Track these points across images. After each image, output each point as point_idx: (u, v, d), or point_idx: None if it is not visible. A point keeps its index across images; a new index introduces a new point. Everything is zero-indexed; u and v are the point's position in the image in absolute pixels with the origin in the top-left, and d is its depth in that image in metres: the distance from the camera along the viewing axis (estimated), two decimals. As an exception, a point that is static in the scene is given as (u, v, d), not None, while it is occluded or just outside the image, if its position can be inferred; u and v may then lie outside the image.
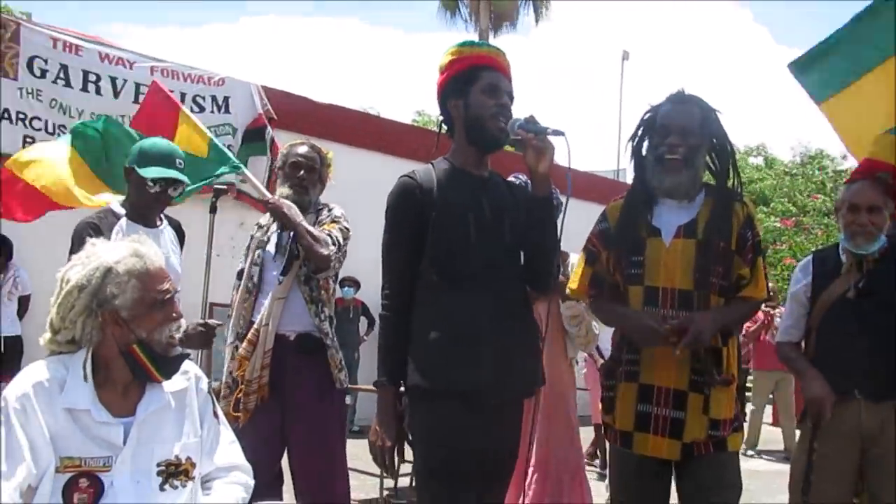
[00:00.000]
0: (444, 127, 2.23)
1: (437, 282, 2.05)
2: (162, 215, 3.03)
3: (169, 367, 1.75)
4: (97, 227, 2.79)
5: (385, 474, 4.08)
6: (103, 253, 1.71)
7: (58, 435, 1.63)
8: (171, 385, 1.79)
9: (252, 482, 1.92)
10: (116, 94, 6.60)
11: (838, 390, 2.66)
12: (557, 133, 2.04)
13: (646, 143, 2.44)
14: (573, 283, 2.51)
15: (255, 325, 2.92)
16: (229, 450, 1.90)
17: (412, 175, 2.14)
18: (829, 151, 20.28)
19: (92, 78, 6.50)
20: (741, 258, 2.31)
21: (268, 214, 3.04)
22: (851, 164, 18.57)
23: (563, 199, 2.41)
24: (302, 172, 3.06)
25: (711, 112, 2.38)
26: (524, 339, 2.14)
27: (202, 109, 7.12)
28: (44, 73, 6.29)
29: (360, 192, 5.26)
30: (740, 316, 2.43)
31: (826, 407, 2.62)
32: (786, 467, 2.89)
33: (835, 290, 2.74)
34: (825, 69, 3.18)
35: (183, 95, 6.93)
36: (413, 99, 51.70)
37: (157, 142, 2.98)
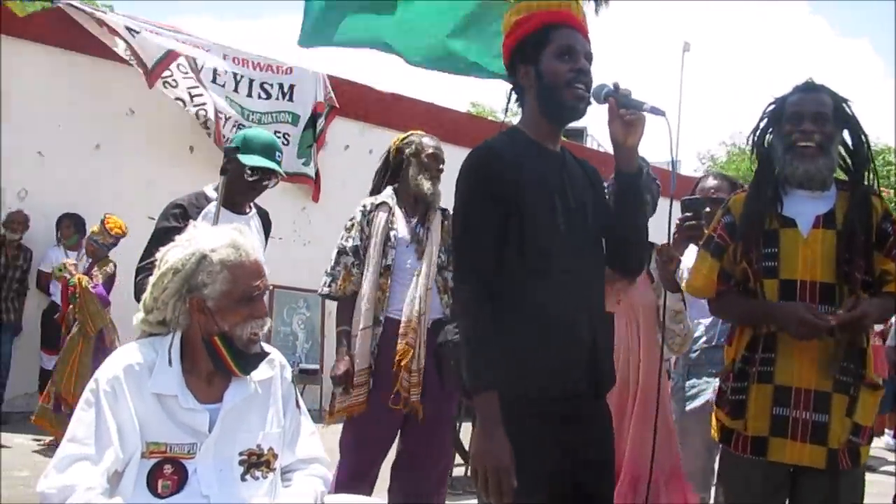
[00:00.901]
0: (514, 96, 1.94)
1: (524, 273, 1.78)
2: (252, 203, 3.07)
3: (248, 363, 1.72)
4: (184, 209, 2.85)
5: None
6: (203, 238, 1.71)
7: (145, 419, 1.64)
8: (257, 374, 1.77)
9: (330, 475, 1.92)
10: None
11: None
12: (656, 112, 1.79)
13: (768, 136, 2.33)
14: (696, 280, 2.37)
15: (407, 313, 2.93)
16: (310, 441, 1.88)
17: (492, 146, 1.85)
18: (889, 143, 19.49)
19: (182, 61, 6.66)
20: (882, 253, 2.19)
21: (378, 197, 3.07)
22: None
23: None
24: (441, 165, 3.11)
25: (843, 101, 2.27)
26: (609, 335, 1.98)
27: (269, 96, 7.27)
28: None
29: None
30: (889, 312, 2.29)
31: None
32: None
33: None
34: None
35: (251, 81, 7.10)
36: (467, 88, 51.40)
37: (261, 133, 3.09)
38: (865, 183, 2.27)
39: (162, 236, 2.75)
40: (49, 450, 5.04)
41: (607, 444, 1.91)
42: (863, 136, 2.29)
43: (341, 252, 3.02)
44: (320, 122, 7.57)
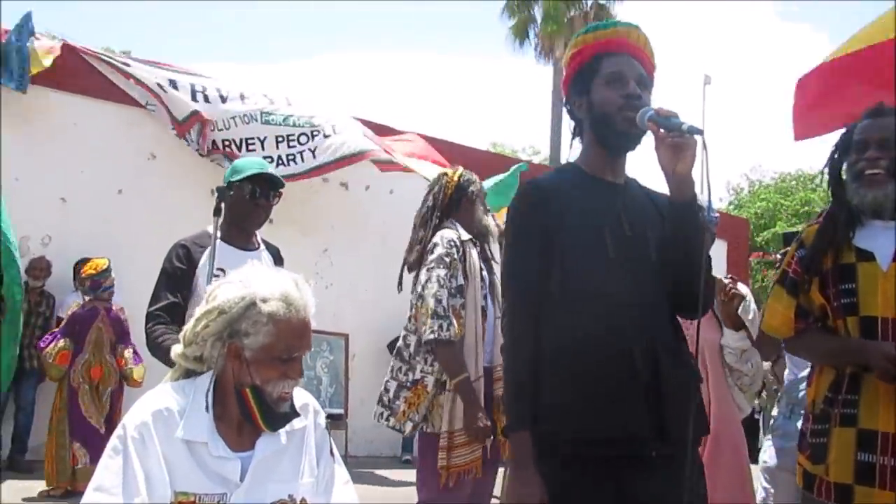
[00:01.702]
0: (575, 131, 1.92)
1: (570, 306, 1.72)
2: (260, 239, 2.97)
3: (277, 420, 1.63)
4: (187, 249, 2.78)
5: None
6: (257, 283, 1.61)
7: (174, 467, 1.54)
8: (291, 422, 1.68)
9: None
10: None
11: None
12: (694, 131, 1.67)
13: (844, 166, 2.26)
14: (773, 319, 2.26)
15: (496, 362, 2.83)
16: (343, 490, 1.77)
17: (536, 181, 1.86)
18: None
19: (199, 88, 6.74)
20: None
21: (461, 233, 2.93)
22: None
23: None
24: None
25: None
26: (680, 376, 1.75)
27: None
28: None
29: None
30: None
31: None
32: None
33: None
34: None
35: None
36: (487, 128, 51.95)
37: (249, 158, 3.01)
38: None
39: (163, 278, 2.77)
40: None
41: (682, 496, 1.68)
42: None
43: (449, 292, 2.79)
44: None
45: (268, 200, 2.85)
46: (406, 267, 3.01)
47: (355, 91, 46.51)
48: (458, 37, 55.87)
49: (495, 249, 3.01)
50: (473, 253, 2.89)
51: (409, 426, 2.78)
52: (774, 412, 3.12)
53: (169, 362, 2.69)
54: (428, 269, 2.81)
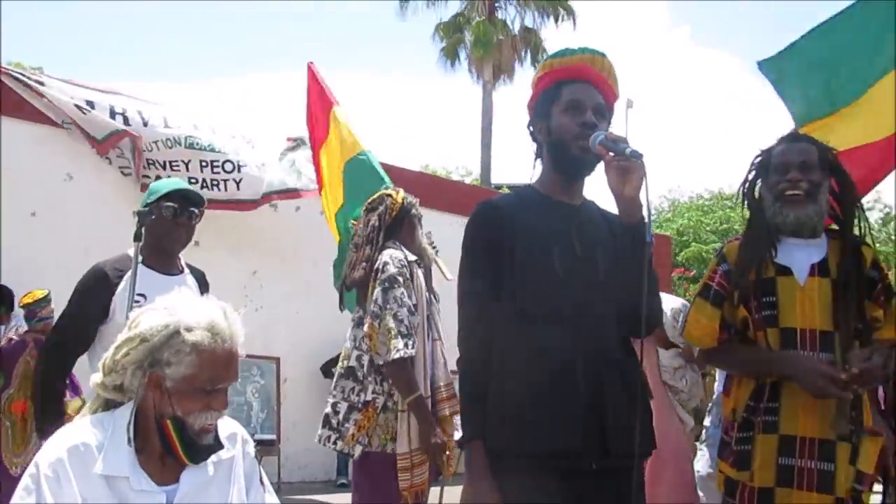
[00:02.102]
0: (537, 153, 1.97)
1: (519, 323, 1.76)
2: (184, 263, 2.86)
3: (199, 453, 1.56)
4: (104, 273, 2.67)
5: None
6: (182, 310, 1.54)
7: None
8: (218, 452, 1.61)
9: None
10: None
11: None
12: (636, 155, 1.73)
13: (758, 186, 2.38)
14: (695, 330, 2.33)
15: (444, 378, 2.82)
16: None
17: (492, 200, 1.92)
18: None
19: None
20: (872, 301, 2.24)
21: (407, 254, 2.88)
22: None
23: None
24: None
25: (827, 150, 2.32)
26: (630, 391, 1.78)
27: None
28: None
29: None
30: (891, 360, 2.28)
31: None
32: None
33: None
34: (811, 87, 3.13)
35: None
36: (420, 150, 52.33)
37: (166, 179, 2.95)
38: (855, 229, 2.30)
39: (72, 304, 2.69)
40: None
41: None
42: (849, 183, 2.33)
43: (409, 310, 2.75)
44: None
45: (189, 219, 2.75)
46: (346, 286, 2.95)
47: (287, 110, 46.06)
48: (390, 58, 56.16)
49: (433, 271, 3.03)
50: (419, 274, 2.89)
51: (357, 449, 2.72)
52: (706, 422, 3.21)
53: (48, 405, 2.62)
54: (384, 289, 2.76)
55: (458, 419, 2.65)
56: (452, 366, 2.63)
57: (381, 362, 2.74)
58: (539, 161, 1.95)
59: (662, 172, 43.65)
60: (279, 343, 7.29)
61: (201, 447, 1.55)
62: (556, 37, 21.53)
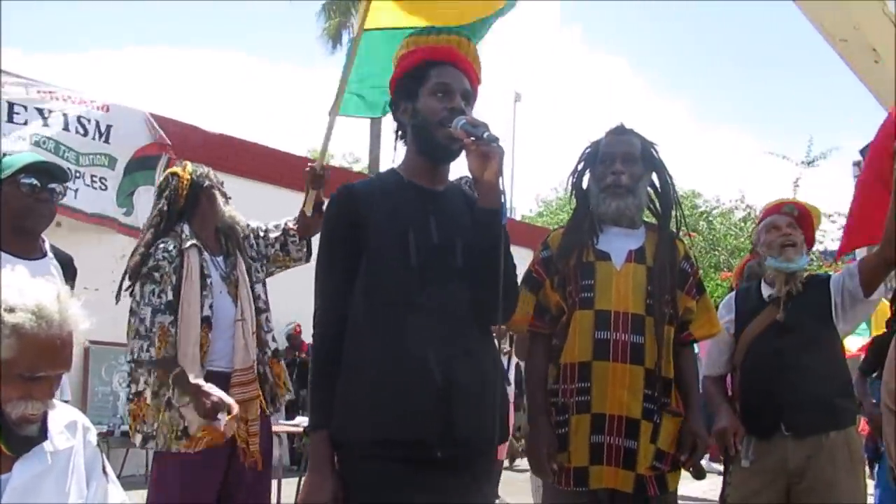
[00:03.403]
0: (399, 135, 1.92)
1: (371, 310, 1.73)
2: (48, 246, 2.65)
3: (18, 443, 1.48)
4: None
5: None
6: (9, 291, 1.45)
7: None
8: (57, 441, 1.55)
9: None
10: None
11: (764, 426, 2.71)
12: (492, 139, 1.72)
13: (587, 176, 2.48)
14: (518, 322, 2.37)
15: (244, 363, 2.67)
16: None
17: (349, 185, 1.86)
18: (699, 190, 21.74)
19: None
20: (684, 292, 2.36)
21: (183, 239, 2.68)
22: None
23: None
24: None
25: (650, 144, 2.44)
26: (482, 381, 1.76)
27: (86, 133, 6.55)
28: None
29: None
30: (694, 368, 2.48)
31: (730, 438, 2.66)
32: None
33: (757, 326, 2.81)
34: None
35: (65, 115, 6.39)
36: (306, 134, 51.13)
37: (18, 153, 2.74)
38: (673, 224, 2.44)
39: None
40: None
41: (466, 497, 1.76)
42: (668, 179, 2.46)
43: (155, 309, 2.60)
44: (162, 160, 6.83)
45: (51, 196, 2.53)
46: (128, 274, 2.72)
47: (164, 86, 43.91)
48: (273, 39, 54.43)
49: (237, 247, 2.86)
50: (194, 260, 2.69)
51: (138, 438, 2.62)
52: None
53: None
54: (141, 284, 2.64)
55: (252, 406, 2.66)
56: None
57: (128, 359, 2.67)
58: (402, 143, 1.91)
59: (553, 166, 45.10)
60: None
61: (21, 438, 1.47)
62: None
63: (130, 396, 2.69)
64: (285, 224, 2.98)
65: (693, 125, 51.57)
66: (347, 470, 1.72)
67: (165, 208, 2.77)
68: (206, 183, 2.79)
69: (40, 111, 6.28)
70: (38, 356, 1.44)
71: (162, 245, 2.68)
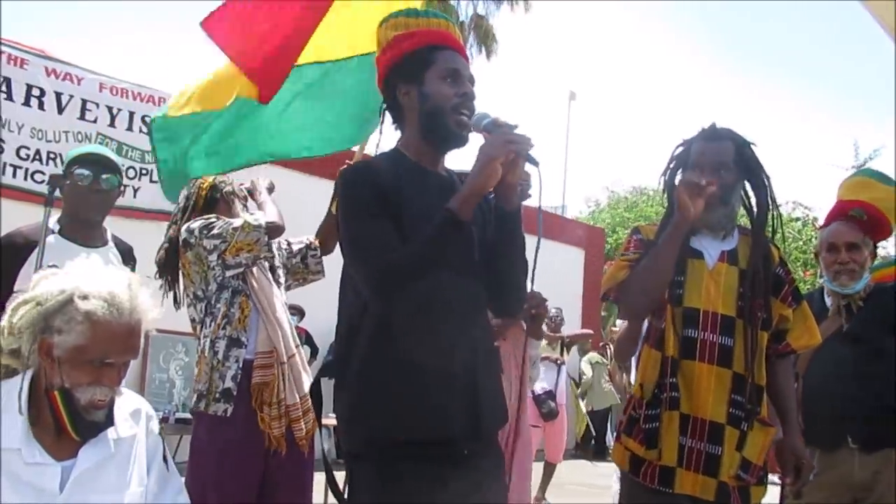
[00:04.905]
0: (396, 117, 1.83)
1: (402, 304, 1.65)
2: (110, 235, 2.80)
3: (86, 428, 1.52)
4: (13, 241, 2.58)
5: None
6: (83, 276, 1.51)
7: None
8: (120, 428, 1.61)
9: None
10: (61, 111, 6.31)
11: (829, 438, 2.62)
12: (532, 161, 1.66)
13: (678, 177, 2.35)
14: (606, 281, 2.32)
15: (265, 348, 2.62)
16: (176, 499, 1.71)
17: (370, 161, 1.79)
18: None
19: (35, 92, 6.21)
20: (779, 299, 2.26)
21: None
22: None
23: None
24: None
25: (746, 146, 2.30)
26: (494, 373, 1.82)
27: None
28: None
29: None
30: (791, 382, 2.37)
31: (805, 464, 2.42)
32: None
33: (821, 335, 2.68)
34: None
35: (132, 115, 6.65)
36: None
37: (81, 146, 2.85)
38: (769, 227, 2.31)
39: None
40: None
41: (494, 488, 1.77)
42: (765, 182, 2.31)
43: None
44: None
45: (103, 185, 2.66)
46: (158, 271, 2.78)
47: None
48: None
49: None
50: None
51: (194, 399, 2.58)
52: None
53: None
54: (208, 227, 2.61)
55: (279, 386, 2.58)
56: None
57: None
58: (399, 126, 1.83)
59: (605, 165, 44.42)
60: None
61: (88, 423, 1.52)
62: (503, 26, 21.24)
63: (196, 360, 2.70)
64: (308, 238, 3.04)
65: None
66: (379, 469, 1.67)
67: (183, 205, 2.84)
68: (226, 189, 2.86)
69: (109, 109, 6.55)
70: (109, 343, 1.49)
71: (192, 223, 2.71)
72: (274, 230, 2.69)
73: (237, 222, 2.63)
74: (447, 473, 1.66)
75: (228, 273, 2.63)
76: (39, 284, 1.53)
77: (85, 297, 1.48)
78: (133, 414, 1.66)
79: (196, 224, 2.65)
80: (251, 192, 2.93)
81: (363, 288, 1.67)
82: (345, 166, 1.85)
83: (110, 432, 1.59)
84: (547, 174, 1.82)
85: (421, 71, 1.75)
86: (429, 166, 1.80)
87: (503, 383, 1.96)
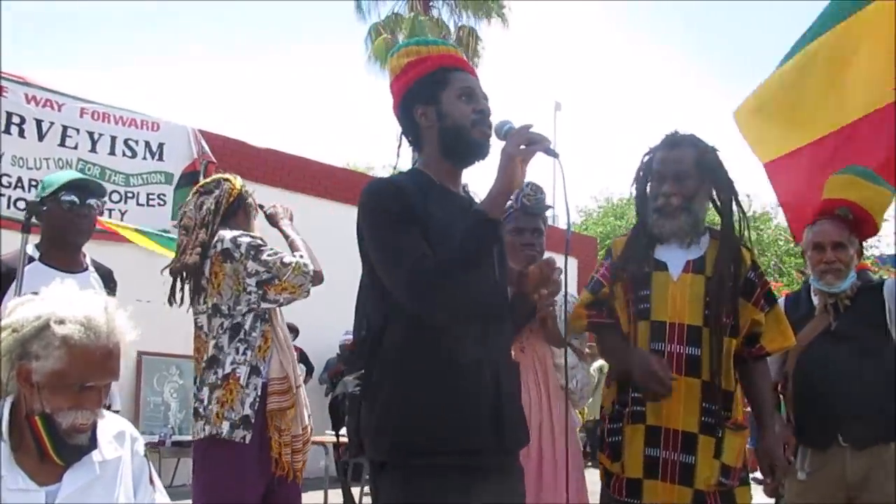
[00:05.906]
0: (413, 139, 1.90)
1: (423, 323, 1.68)
2: (89, 260, 2.79)
3: (69, 452, 1.52)
4: None
5: None
6: (59, 303, 1.50)
7: None
8: (105, 451, 1.59)
9: None
10: (41, 137, 6.28)
11: (820, 437, 2.62)
12: (552, 154, 1.73)
13: (649, 185, 2.39)
14: (573, 317, 2.39)
15: (278, 374, 2.57)
16: None
17: (391, 178, 1.85)
18: None
19: (16, 120, 6.19)
20: (751, 303, 2.28)
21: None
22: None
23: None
24: None
25: (708, 151, 2.33)
26: (516, 386, 1.86)
27: (134, 154, 6.76)
28: None
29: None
30: (769, 381, 2.42)
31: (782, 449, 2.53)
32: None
33: (808, 334, 2.71)
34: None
35: (113, 139, 6.62)
36: (342, 146, 51.65)
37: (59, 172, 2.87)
38: (736, 230, 2.32)
39: None
40: None
41: (516, 499, 1.80)
42: (728, 186, 2.34)
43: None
44: (200, 178, 7.11)
45: (90, 211, 2.67)
46: (182, 272, 2.67)
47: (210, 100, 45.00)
48: (313, 50, 55.04)
49: None
50: None
51: (225, 427, 2.48)
52: None
53: None
54: (255, 255, 2.53)
55: (291, 413, 2.57)
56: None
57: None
58: (417, 148, 1.90)
59: (593, 175, 44.70)
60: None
61: (71, 447, 1.51)
62: (491, 38, 21.50)
63: (218, 383, 2.52)
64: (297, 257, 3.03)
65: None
66: (405, 478, 1.68)
67: (212, 207, 2.72)
68: (249, 199, 2.83)
69: (90, 134, 6.49)
70: (88, 366, 1.48)
71: (233, 232, 2.63)
72: (317, 279, 2.65)
73: (287, 258, 2.56)
74: (471, 484, 1.67)
75: (264, 305, 2.57)
76: (15, 311, 1.52)
77: (61, 322, 1.47)
78: (117, 436, 1.65)
79: (244, 240, 2.56)
80: (271, 217, 2.89)
81: (399, 293, 1.68)
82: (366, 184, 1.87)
83: (95, 455, 1.57)
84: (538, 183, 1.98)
85: (437, 91, 1.83)
86: (451, 186, 1.86)
87: (524, 396, 1.97)
